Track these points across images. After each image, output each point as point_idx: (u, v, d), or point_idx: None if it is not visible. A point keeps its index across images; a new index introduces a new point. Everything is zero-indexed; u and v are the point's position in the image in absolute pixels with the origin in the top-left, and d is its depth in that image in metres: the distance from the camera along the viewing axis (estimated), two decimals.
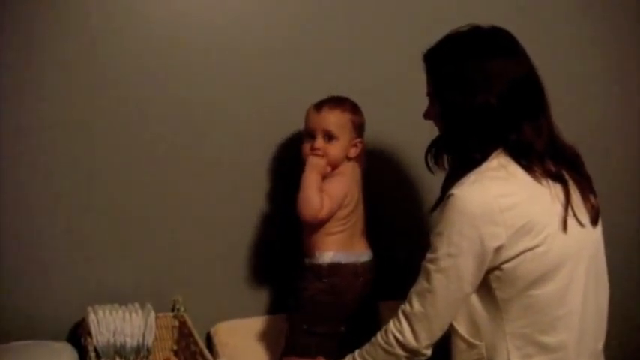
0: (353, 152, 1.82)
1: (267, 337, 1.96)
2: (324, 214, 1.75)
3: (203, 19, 1.89)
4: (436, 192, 1.55)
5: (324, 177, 1.79)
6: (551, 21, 2.19)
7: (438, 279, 1.37)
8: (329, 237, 1.79)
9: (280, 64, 1.96)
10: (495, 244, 1.34)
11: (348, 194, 1.79)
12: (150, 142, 1.89)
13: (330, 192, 1.76)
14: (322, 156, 1.78)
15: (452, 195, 1.37)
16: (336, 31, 1.99)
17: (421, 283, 1.41)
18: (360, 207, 1.85)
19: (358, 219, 1.84)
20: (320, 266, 1.78)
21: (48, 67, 1.78)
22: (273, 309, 2.04)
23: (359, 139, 1.83)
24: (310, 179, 1.75)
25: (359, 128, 1.83)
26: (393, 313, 1.46)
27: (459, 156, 1.49)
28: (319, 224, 1.77)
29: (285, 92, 1.97)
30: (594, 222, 1.45)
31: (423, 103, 1.56)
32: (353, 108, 1.82)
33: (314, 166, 1.77)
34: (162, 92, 1.88)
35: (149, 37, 1.85)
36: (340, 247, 1.79)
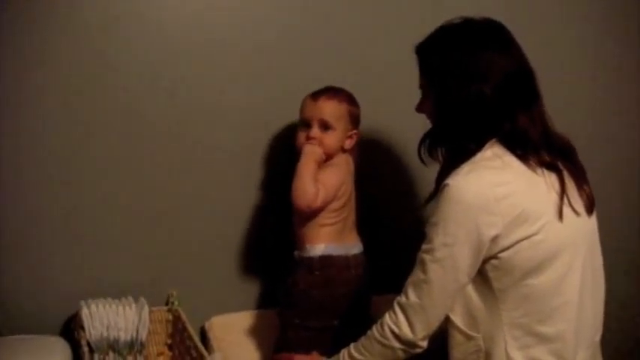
0: (348, 143, 1.82)
1: (261, 331, 1.95)
2: (318, 202, 1.73)
3: (198, 10, 1.88)
4: (430, 184, 1.54)
5: (319, 167, 1.77)
6: (546, 13, 2.19)
7: (433, 269, 1.37)
8: (321, 229, 1.78)
9: (274, 56, 1.95)
10: (492, 233, 1.33)
11: (342, 185, 1.79)
12: (143, 137, 1.88)
13: (325, 181, 1.75)
14: (318, 145, 1.77)
15: (447, 185, 1.36)
16: (331, 23, 1.99)
17: (417, 274, 1.40)
18: (353, 199, 1.85)
19: (350, 211, 1.84)
20: (311, 259, 1.77)
21: (46, 66, 1.77)
22: (268, 303, 2.03)
23: (354, 131, 1.83)
24: (306, 167, 1.74)
25: (355, 119, 1.83)
26: (387, 307, 1.46)
27: (453, 147, 1.48)
28: (312, 214, 1.76)
29: (279, 85, 1.96)
30: (589, 211, 1.45)
31: (417, 95, 1.55)
32: (350, 99, 1.82)
33: (310, 154, 1.76)
34: (154, 86, 1.87)
35: (144, 31, 1.84)
36: (331, 239, 1.78)
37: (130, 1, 1.82)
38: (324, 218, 1.78)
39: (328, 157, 1.80)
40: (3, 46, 1.72)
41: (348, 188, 1.82)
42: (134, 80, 1.85)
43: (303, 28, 1.97)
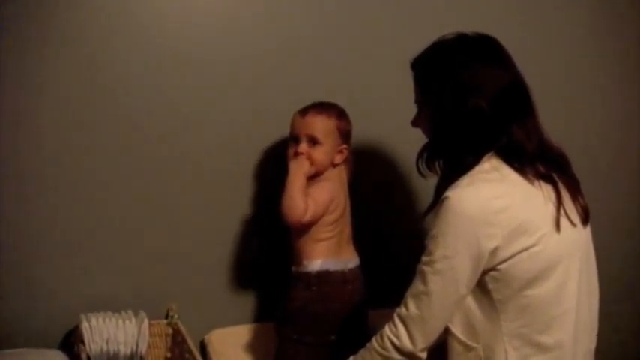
0: (338, 159, 1.82)
1: (261, 344, 1.96)
2: (307, 217, 1.73)
3: (191, 25, 1.90)
4: (427, 197, 1.56)
5: (310, 181, 1.78)
6: (546, 14, 2.21)
7: (434, 281, 1.38)
8: (317, 244, 1.78)
9: (267, 71, 1.97)
10: (491, 245, 1.35)
11: (334, 200, 1.79)
12: (144, 152, 1.90)
13: (316, 197, 1.76)
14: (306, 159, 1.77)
15: (446, 198, 1.38)
16: (326, 37, 2.01)
17: (417, 286, 1.41)
18: (348, 213, 1.85)
19: (345, 225, 1.84)
20: (308, 274, 1.78)
21: (42, 71, 1.78)
22: (267, 316, 2.04)
23: (344, 146, 1.83)
24: (294, 181, 1.74)
25: (345, 135, 1.82)
26: (384, 321, 1.46)
27: (451, 160, 1.50)
28: (304, 229, 1.77)
29: (272, 99, 1.97)
30: (585, 222, 1.47)
31: (414, 107, 1.56)
32: (339, 114, 1.82)
33: (298, 168, 1.76)
34: (148, 100, 1.89)
35: (138, 43, 1.86)
36: (328, 254, 1.79)
37: (127, 11, 1.84)
38: (319, 232, 1.78)
39: (318, 173, 1.80)
40: (2, 49, 1.74)
41: (342, 202, 1.82)
42: (130, 98, 1.87)
43: (298, 42, 1.99)
